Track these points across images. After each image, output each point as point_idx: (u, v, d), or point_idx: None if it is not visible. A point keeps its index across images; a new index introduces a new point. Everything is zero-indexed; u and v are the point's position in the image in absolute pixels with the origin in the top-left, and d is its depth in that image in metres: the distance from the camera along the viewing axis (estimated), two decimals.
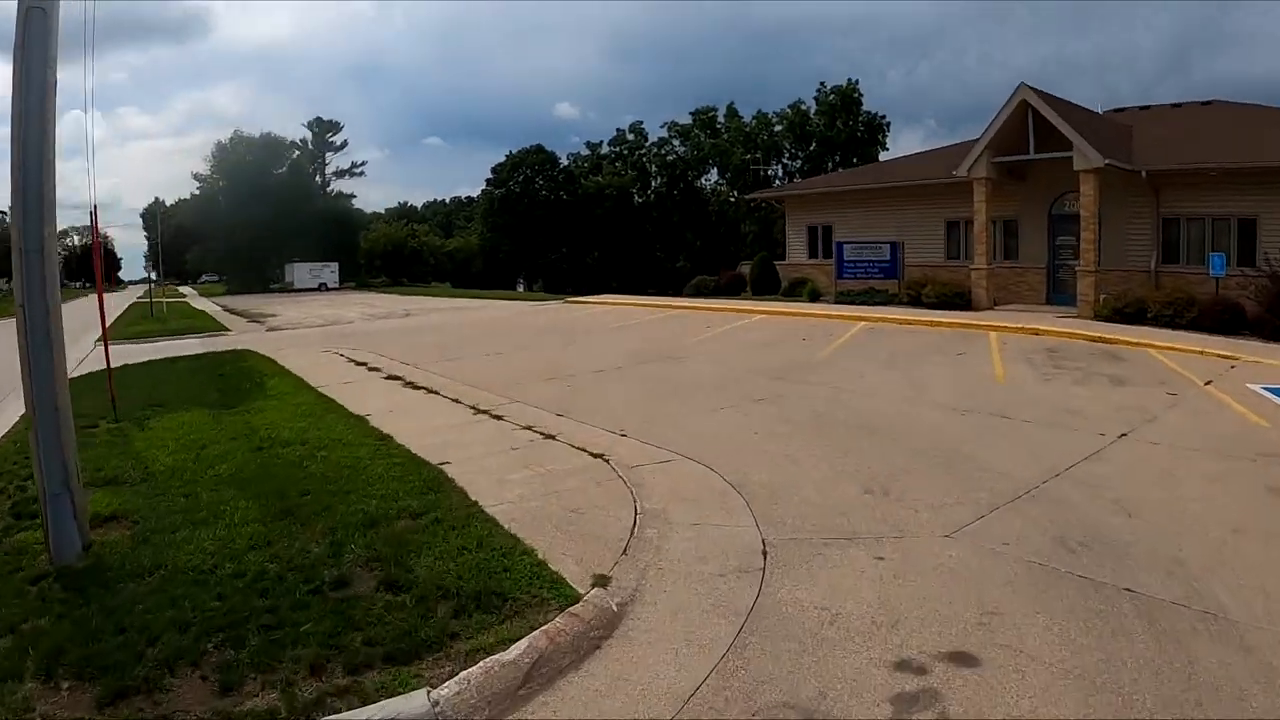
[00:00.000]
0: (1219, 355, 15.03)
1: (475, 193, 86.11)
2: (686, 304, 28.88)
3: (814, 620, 5.02)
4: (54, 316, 6.05)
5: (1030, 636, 4.76)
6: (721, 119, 77.68)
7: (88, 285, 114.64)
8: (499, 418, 10.61)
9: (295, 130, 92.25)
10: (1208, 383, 12.55)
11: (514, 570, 5.59)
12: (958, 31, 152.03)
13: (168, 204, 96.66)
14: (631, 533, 6.35)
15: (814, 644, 4.74)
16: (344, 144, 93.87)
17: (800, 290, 30.29)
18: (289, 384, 14.33)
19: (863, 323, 21.33)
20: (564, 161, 79.77)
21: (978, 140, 24.47)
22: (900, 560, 5.89)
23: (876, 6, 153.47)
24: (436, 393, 12.71)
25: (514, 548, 5.94)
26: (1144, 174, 22.67)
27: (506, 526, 6.39)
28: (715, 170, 77.96)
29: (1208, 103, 30.31)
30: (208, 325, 30.89)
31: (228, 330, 28.88)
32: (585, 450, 8.67)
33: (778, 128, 74.47)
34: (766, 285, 33.59)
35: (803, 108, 73.11)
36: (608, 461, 8.16)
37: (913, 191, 29.52)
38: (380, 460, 8.60)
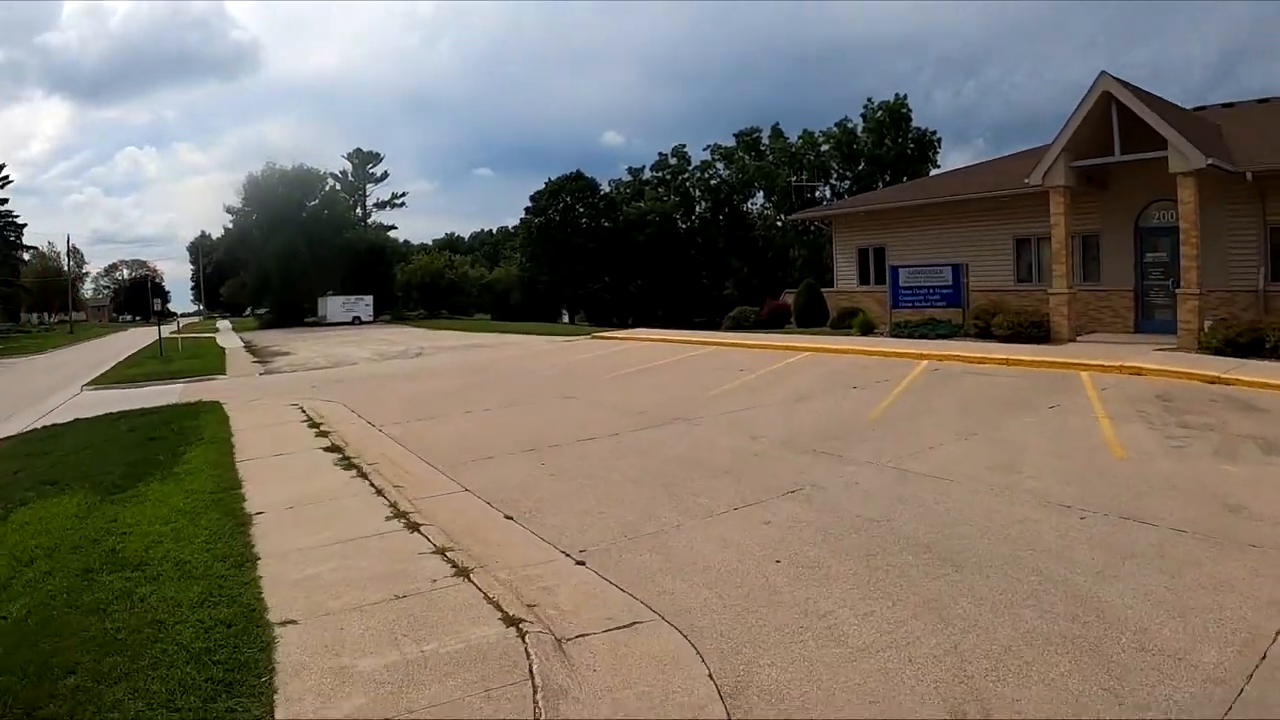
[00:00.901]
0: None
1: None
2: (722, 339, 25.73)
3: None
4: None
5: None
6: (766, 140, 74.82)
7: (138, 319, 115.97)
8: (416, 526, 7.57)
9: (341, 163, 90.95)
10: None
11: None
12: (1006, 49, 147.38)
13: (214, 238, 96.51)
14: None
15: None
16: (384, 175, 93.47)
17: (850, 322, 26.92)
18: (211, 456, 11.51)
19: (924, 362, 17.98)
20: (605, 188, 77.54)
21: (1053, 142, 21.01)
22: None
23: (922, 26, 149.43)
24: (367, 477, 9.73)
25: None
26: (1249, 176, 19.13)
27: None
28: (761, 194, 75.08)
29: None
30: (207, 368, 28.47)
31: (221, 375, 26.41)
32: (501, 608, 5.56)
33: (824, 147, 71.35)
34: (813, 315, 30.29)
35: (850, 126, 70.00)
36: (524, 638, 5.03)
37: (976, 206, 26.11)
38: (202, 613, 5.69)
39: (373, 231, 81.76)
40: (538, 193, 75.67)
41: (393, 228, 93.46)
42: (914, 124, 69.36)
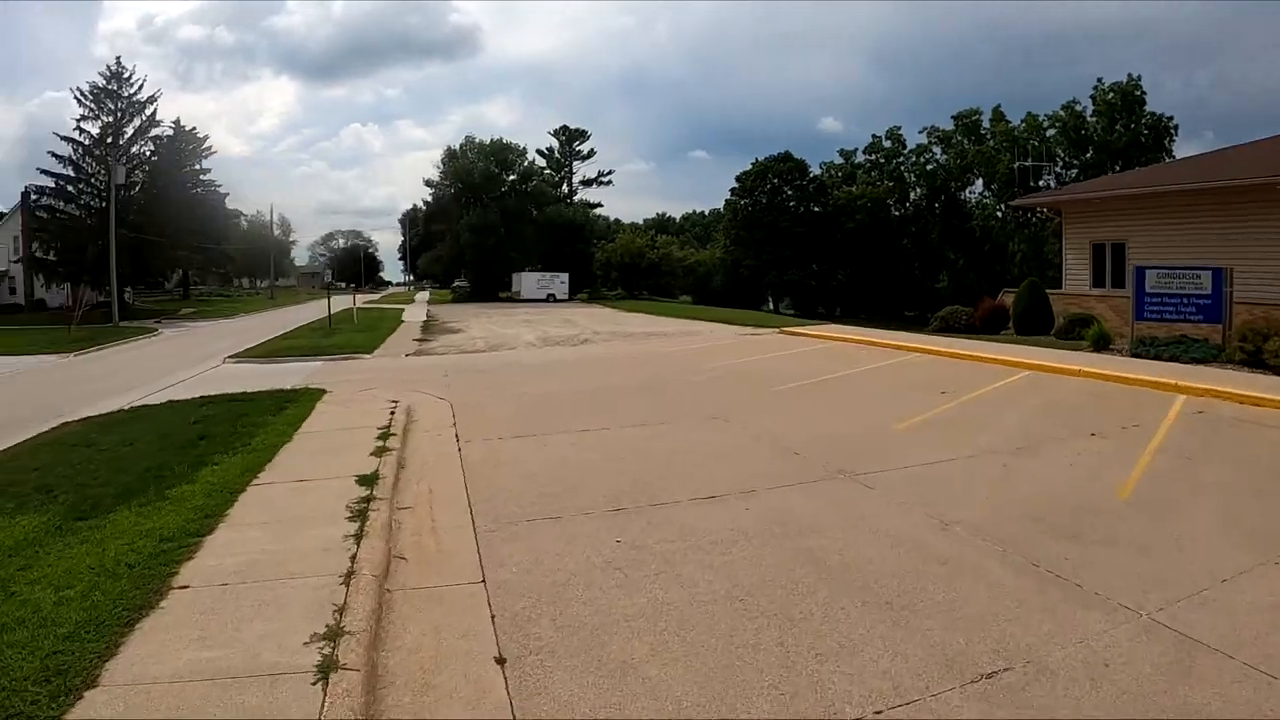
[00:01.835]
0: None
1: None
2: (927, 345, 21.36)
3: None
4: None
5: None
6: (986, 124, 67.67)
7: (353, 286, 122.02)
8: (336, 669, 4.55)
9: (547, 140, 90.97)
10: None
11: None
12: (1242, 35, 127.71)
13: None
14: None
15: None
16: (591, 152, 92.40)
17: (1082, 332, 21.79)
18: (228, 475, 9.20)
19: (1180, 399, 13.17)
20: (815, 171, 73.10)
21: None
22: None
23: (1149, 10, 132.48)
24: (364, 538, 6.84)
25: None
26: None
27: None
28: (980, 181, 68.09)
29: None
30: (362, 345, 27.27)
31: (366, 354, 24.97)
32: None
33: (1050, 131, 63.57)
34: (1036, 321, 25.24)
35: (1077, 109, 61.99)
36: None
37: (1245, 195, 20.37)
38: None
39: (572, 208, 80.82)
40: (744, 173, 72.07)
41: (598, 205, 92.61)
42: (1147, 108, 60.52)
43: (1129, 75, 61.47)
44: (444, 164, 69.68)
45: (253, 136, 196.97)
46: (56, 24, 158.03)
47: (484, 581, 6.15)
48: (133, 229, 48.05)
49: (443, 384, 17.20)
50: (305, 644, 4.90)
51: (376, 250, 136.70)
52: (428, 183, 74.04)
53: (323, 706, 4.20)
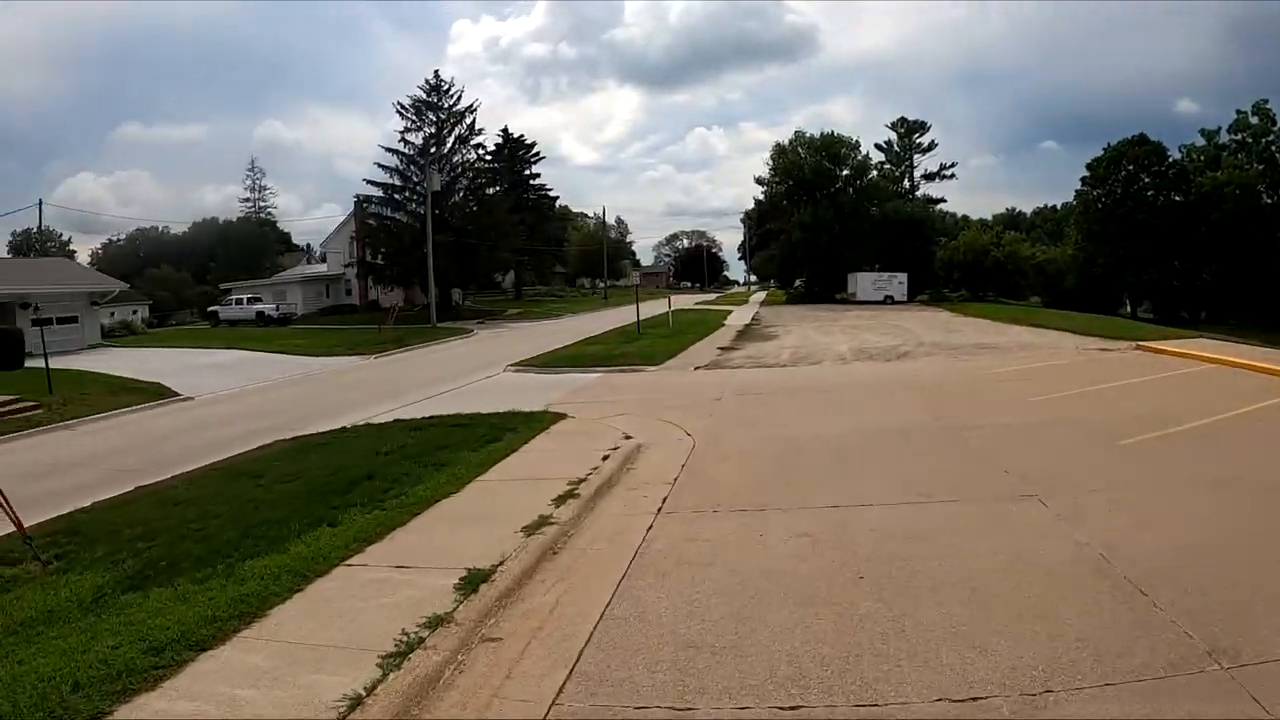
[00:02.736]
0: None
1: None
2: None
3: None
4: None
5: None
6: None
7: (696, 286, 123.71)
8: None
9: (884, 134, 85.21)
10: None
11: None
12: None
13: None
14: None
15: None
16: (932, 145, 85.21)
17: None
18: (336, 541, 7.30)
19: None
20: (1173, 155, 61.41)
21: None
22: None
23: None
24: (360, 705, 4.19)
25: None
26: None
27: None
28: None
29: None
30: (656, 353, 25.21)
31: (651, 366, 22.85)
32: None
33: None
34: None
35: None
36: None
37: None
38: None
39: (912, 204, 74.39)
40: (1095, 160, 61.93)
41: (940, 201, 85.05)
42: None
43: None
44: (773, 160, 66.71)
45: (601, 144, 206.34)
46: (410, 51, 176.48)
47: None
48: (456, 233, 50.52)
49: (706, 411, 14.53)
50: None
51: (720, 250, 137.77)
52: (758, 180, 71.47)
53: None
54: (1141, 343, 22.07)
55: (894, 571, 6.33)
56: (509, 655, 5.15)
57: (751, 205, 78.31)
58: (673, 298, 51.24)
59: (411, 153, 53.23)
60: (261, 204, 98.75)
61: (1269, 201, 58.22)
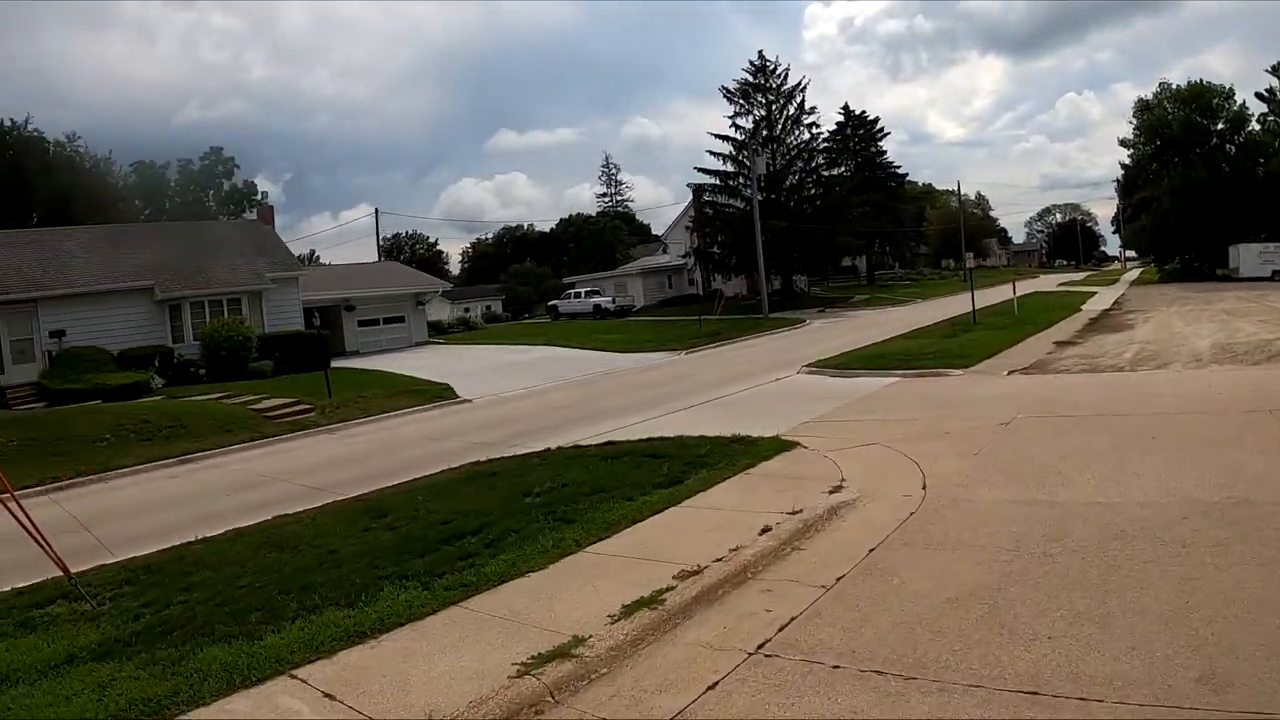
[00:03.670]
0: None
1: None
2: None
3: None
4: None
5: None
6: None
7: (1071, 264, 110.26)
8: None
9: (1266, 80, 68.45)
10: None
11: None
12: None
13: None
14: None
15: None
16: None
17: None
18: (328, 631, 5.40)
19: None
20: None
21: None
22: None
23: None
24: None
25: None
26: None
27: None
28: None
29: None
30: (975, 352, 20.85)
31: (957, 371, 18.74)
32: None
33: None
34: None
35: None
36: None
37: None
38: None
39: None
40: None
41: None
42: None
43: None
44: (1137, 119, 56.11)
45: (968, 118, 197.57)
46: (766, 40, 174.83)
47: None
48: (793, 217, 47.67)
49: (977, 443, 10.84)
50: None
51: (1096, 224, 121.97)
52: (1123, 142, 60.86)
53: None
54: None
55: None
56: None
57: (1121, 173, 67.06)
58: (1040, 278, 44.85)
59: (742, 137, 51.37)
60: (618, 198, 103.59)
61: None
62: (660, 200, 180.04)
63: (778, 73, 51.95)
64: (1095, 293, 44.85)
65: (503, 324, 59.10)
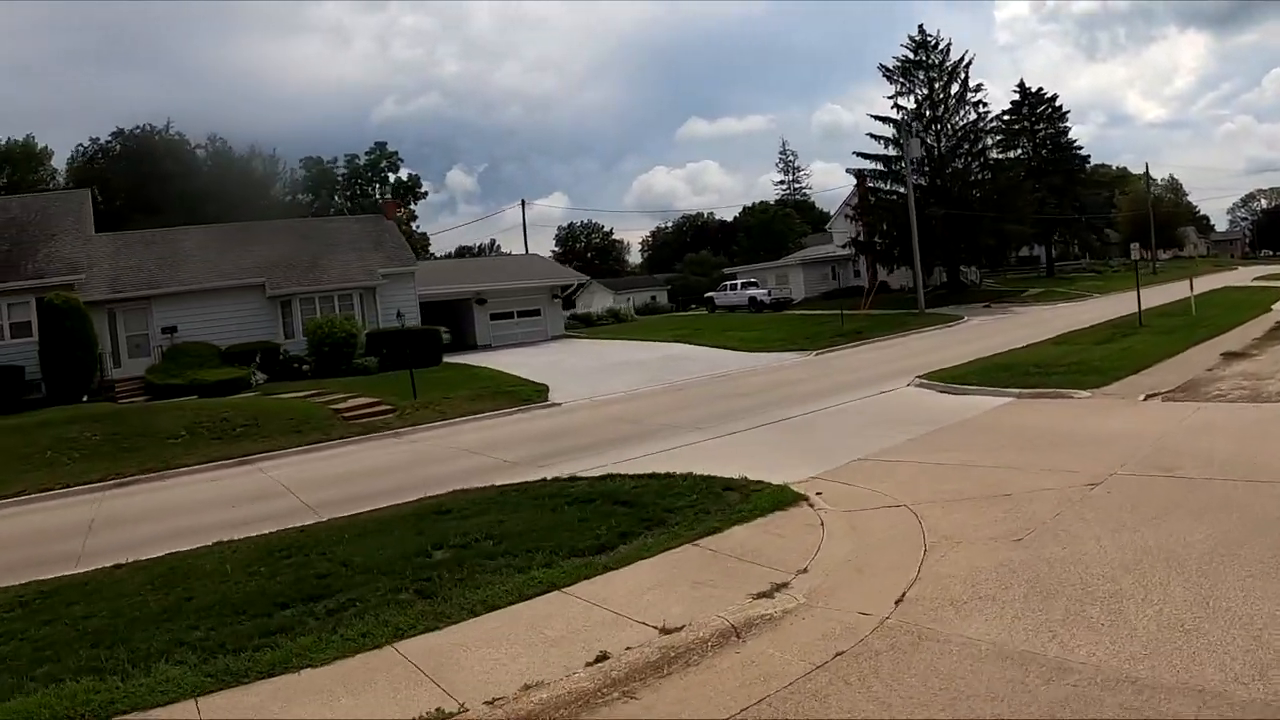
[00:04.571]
0: None
1: None
2: None
3: None
4: None
5: None
6: None
7: (1276, 254, 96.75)
8: None
9: None
10: None
11: None
12: None
13: None
14: None
15: None
16: None
17: None
18: None
19: None
20: None
21: None
22: None
23: None
24: None
25: None
26: None
27: None
28: None
29: None
30: (1122, 365, 17.69)
31: (1084, 391, 15.78)
32: None
33: None
34: None
35: None
36: None
37: None
38: None
39: None
40: None
41: None
42: None
43: None
44: None
45: (1168, 98, 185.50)
46: (959, 24, 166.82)
47: None
48: (959, 204, 43.53)
49: (1043, 514, 8.32)
50: None
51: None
52: None
53: None
54: None
55: None
56: None
57: None
58: (1238, 270, 39.46)
59: (903, 118, 47.88)
60: (796, 185, 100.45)
61: None
62: (848, 187, 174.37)
63: (940, 48, 47.98)
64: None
65: (660, 316, 57.92)
